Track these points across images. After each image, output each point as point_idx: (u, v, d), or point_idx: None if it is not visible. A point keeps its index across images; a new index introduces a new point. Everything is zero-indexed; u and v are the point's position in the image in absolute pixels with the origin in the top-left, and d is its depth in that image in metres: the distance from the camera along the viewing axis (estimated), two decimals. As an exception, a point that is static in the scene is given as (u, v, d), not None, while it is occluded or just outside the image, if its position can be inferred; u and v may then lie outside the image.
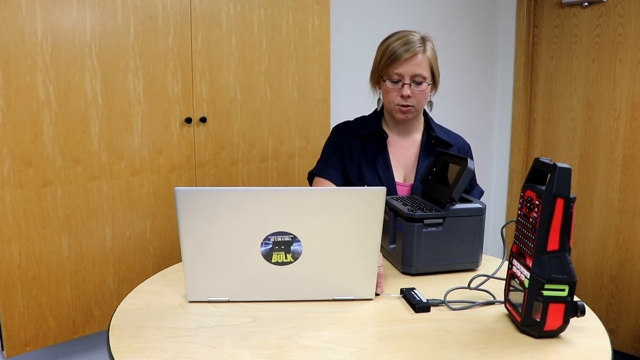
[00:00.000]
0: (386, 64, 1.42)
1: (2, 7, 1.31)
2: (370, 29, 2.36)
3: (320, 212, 1.00)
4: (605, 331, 0.96)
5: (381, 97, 1.53)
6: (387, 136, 1.51)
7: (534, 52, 2.90)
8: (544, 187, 0.90)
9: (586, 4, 2.63)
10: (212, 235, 0.99)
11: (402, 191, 1.50)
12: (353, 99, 2.36)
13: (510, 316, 0.99)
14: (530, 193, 0.94)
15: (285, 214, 0.99)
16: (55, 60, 1.41)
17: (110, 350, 0.87)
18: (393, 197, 1.37)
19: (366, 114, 1.61)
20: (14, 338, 1.43)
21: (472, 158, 1.57)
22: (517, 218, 0.98)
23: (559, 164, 0.88)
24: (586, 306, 0.98)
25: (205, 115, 1.72)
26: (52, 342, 1.50)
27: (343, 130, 1.54)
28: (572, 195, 0.89)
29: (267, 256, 1.01)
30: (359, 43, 2.33)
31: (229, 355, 0.85)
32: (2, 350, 1.43)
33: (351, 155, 1.50)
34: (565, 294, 0.89)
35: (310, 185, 1.53)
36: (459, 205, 1.21)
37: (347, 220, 1.01)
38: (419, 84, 1.41)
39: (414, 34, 1.42)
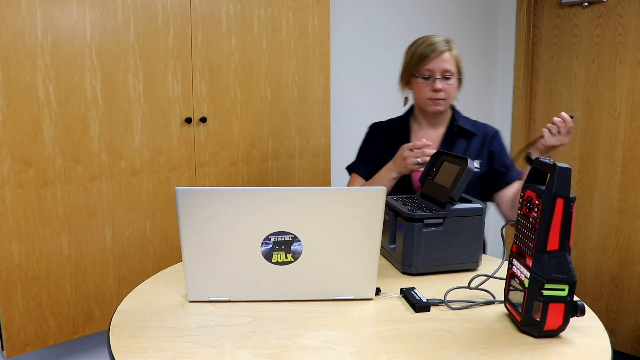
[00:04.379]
0: (417, 62, 1.54)
1: (2, 7, 1.31)
2: (370, 29, 2.37)
3: (320, 212, 1.00)
4: (605, 331, 0.96)
5: (409, 97, 1.66)
6: (411, 129, 1.63)
7: (534, 52, 2.90)
8: (544, 187, 0.90)
9: (586, 4, 2.63)
10: (212, 235, 0.99)
11: (418, 178, 1.53)
12: (353, 99, 2.36)
13: (510, 316, 0.99)
14: (530, 193, 0.94)
15: (285, 214, 0.99)
16: (55, 60, 1.41)
17: (110, 350, 0.87)
18: (393, 197, 1.37)
19: (398, 115, 1.72)
20: (14, 338, 1.43)
21: (500, 144, 1.63)
22: (517, 218, 0.98)
23: (559, 164, 0.88)
24: (586, 306, 0.98)
25: (205, 115, 1.72)
26: (52, 342, 1.50)
27: (374, 128, 1.70)
28: (572, 195, 0.89)
29: (267, 256, 1.01)
30: (359, 43, 2.34)
31: (229, 355, 0.85)
32: (2, 350, 1.43)
33: (380, 150, 1.63)
34: (565, 293, 0.89)
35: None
36: (459, 205, 1.21)
37: (347, 220, 1.01)
38: (448, 78, 1.54)
39: (437, 36, 1.56)
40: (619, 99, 2.57)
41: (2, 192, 1.36)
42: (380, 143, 1.65)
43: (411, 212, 1.19)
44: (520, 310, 0.94)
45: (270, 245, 1.01)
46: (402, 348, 0.88)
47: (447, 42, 1.56)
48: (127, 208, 1.60)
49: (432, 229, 1.20)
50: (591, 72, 2.67)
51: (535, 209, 0.90)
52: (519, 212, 0.98)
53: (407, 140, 1.61)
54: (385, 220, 1.23)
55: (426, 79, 1.54)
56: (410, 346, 0.89)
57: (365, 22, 2.34)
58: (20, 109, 1.37)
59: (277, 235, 1.00)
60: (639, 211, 2.55)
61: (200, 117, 1.71)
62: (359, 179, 1.64)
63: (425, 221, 1.19)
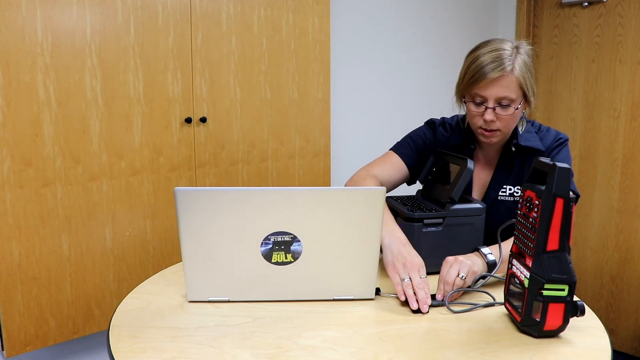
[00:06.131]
0: (470, 82, 1.24)
1: (2, 7, 1.31)
2: (370, 29, 2.36)
3: (320, 212, 1.00)
4: (605, 331, 0.96)
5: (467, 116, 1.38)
6: (475, 148, 1.39)
7: (534, 52, 2.90)
8: (543, 187, 0.90)
9: (586, 4, 2.63)
10: (212, 235, 0.99)
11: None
12: (353, 99, 2.36)
13: (510, 316, 0.99)
14: (530, 193, 0.94)
15: (285, 214, 0.99)
16: (55, 60, 1.41)
17: (110, 350, 0.87)
18: (393, 197, 1.37)
19: (460, 114, 1.45)
20: (14, 338, 1.43)
21: (562, 153, 1.34)
22: (517, 218, 0.98)
23: (559, 164, 0.88)
24: (586, 306, 0.98)
25: (205, 115, 1.72)
26: (52, 342, 1.50)
27: (434, 132, 1.44)
28: (571, 195, 0.89)
29: (267, 256, 1.01)
30: (359, 43, 2.34)
31: (229, 355, 0.85)
32: (2, 350, 1.43)
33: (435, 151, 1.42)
34: (565, 293, 0.89)
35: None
36: (459, 205, 1.22)
37: (347, 220, 1.01)
38: (506, 106, 1.23)
39: (505, 47, 1.23)
40: (619, 99, 2.57)
41: (2, 192, 1.36)
42: (440, 149, 1.41)
43: (411, 212, 1.19)
44: (520, 311, 0.94)
45: (270, 246, 1.01)
46: (402, 348, 0.88)
47: (515, 54, 1.22)
48: (127, 208, 1.60)
49: (432, 229, 1.20)
50: (591, 72, 2.67)
51: (535, 209, 0.90)
52: (519, 212, 0.98)
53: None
54: (385, 220, 1.23)
55: (478, 104, 1.25)
56: (410, 346, 0.89)
57: (365, 22, 2.34)
58: (20, 109, 1.37)
59: (277, 235, 1.00)
60: (639, 211, 2.55)
61: (200, 117, 1.71)
62: (396, 159, 1.41)
63: (425, 221, 1.19)
